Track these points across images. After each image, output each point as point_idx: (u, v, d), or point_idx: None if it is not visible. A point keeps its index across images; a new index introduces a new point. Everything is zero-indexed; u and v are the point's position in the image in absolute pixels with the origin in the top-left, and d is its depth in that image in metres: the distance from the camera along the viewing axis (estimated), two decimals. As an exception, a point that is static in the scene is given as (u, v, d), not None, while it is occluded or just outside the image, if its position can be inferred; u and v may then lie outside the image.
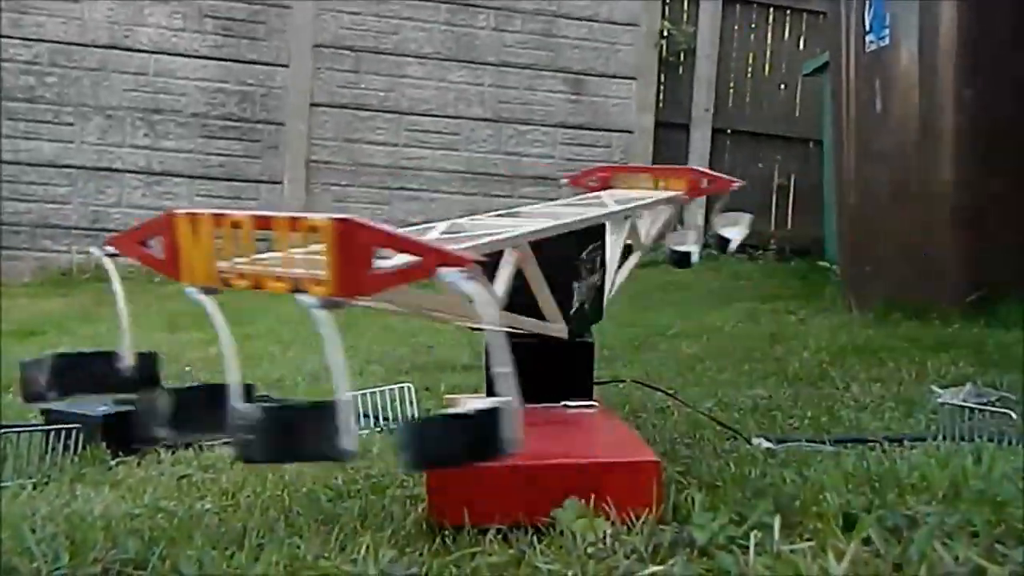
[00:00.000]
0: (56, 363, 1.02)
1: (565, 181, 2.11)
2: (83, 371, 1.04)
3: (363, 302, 1.02)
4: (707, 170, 1.98)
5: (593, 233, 1.48)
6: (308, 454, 0.91)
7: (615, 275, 1.63)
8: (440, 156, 5.78)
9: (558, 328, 1.41)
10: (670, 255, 1.88)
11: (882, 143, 3.44)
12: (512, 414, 0.82)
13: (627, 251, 1.72)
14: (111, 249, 1.07)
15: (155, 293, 4.66)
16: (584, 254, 1.46)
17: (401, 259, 0.88)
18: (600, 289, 1.53)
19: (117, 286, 1.06)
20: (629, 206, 1.63)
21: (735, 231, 1.86)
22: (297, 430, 0.87)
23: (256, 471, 1.39)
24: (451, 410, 0.93)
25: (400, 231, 0.90)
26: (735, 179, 1.87)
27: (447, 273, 0.85)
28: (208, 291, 0.98)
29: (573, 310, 1.44)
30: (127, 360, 1.04)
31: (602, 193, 1.83)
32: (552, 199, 6.38)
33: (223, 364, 0.95)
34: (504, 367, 0.83)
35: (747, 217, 1.89)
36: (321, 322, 0.87)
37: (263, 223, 0.93)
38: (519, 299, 1.31)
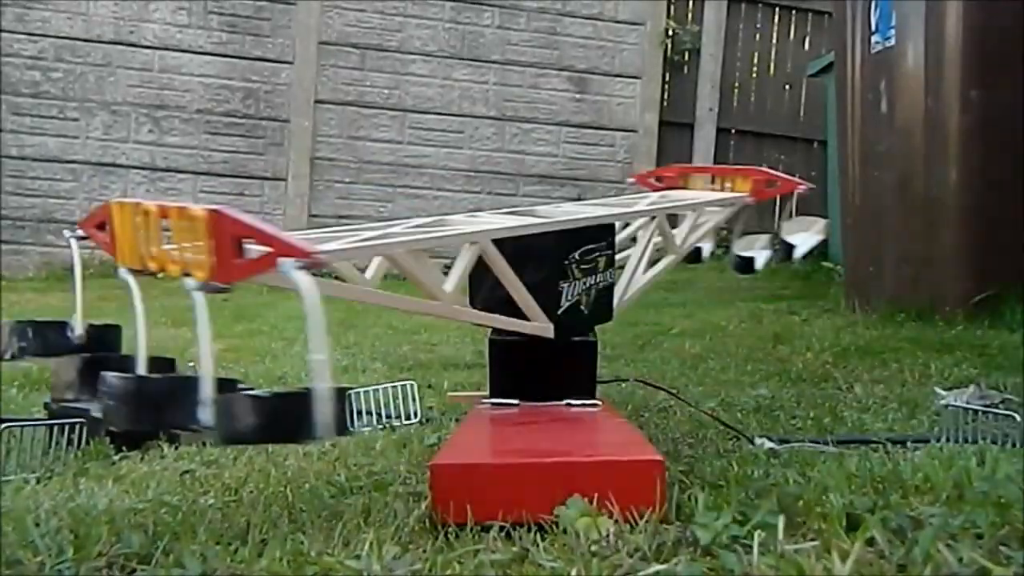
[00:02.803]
0: (16, 328, 1.19)
1: (631, 180, 2.08)
2: (39, 337, 1.21)
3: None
4: (773, 171, 1.92)
5: (594, 231, 1.47)
6: (170, 424, 1.13)
7: (632, 276, 1.61)
8: (444, 154, 5.78)
9: (539, 327, 1.39)
10: (733, 260, 1.87)
11: (887, 144, 3.44)
12: (323, 400, 0.89)
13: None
14: (80, 232, 1.18)
15: (160, 288, 4.67)
16: (577, 254, 1.45)
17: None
18: (607, 289, 1.52)
19: (77, 268, 1.20)
20: (626, 211, 1.62)
21: (802, 237, 1.83)
22: (160, 401, 0.99)
23: (259, 467, 1.40)
24: (258, 392, 1.03)
25: (260, 224, 0.95)
26: (801, 181, 1.83)
27: (281, 263, 0.92)
28: (136, 272, 1.07)
29: (561, 310, 1.42)
30: (78, 330, 1.20)
31: (653, 194, 1.83)
32: (555, 198, 6.39)
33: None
34: (320, 355, 0.90)
35: (821, 223, 1.86)
36: (197, 303, 0.95)
37: (164, 212, 1.03)
38: (499, 295, 1.35)
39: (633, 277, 1.62)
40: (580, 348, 1.45)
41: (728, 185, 1.88)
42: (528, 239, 1.35)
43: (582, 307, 1.47)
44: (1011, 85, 3.10)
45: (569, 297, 1.44)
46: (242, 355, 2.68)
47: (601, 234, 1.50)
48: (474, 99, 5.82)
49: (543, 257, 1.41)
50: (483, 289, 1.42)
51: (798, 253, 1.85)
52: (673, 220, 1.71)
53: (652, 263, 1.68)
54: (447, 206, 5.58)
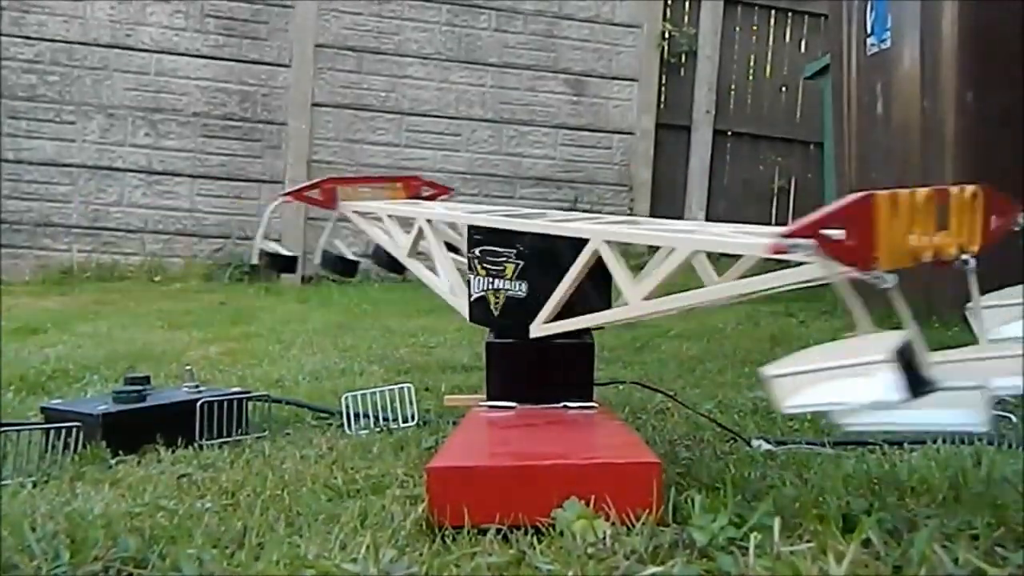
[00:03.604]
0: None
1: (278, 201, 2.15)
2: None
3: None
4: (426, 179, 2.05)
5: (493, 237, 1.48)
6: None
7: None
8: (441, 157, 5.79)
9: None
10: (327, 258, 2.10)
11: (883, 146, 3.44)
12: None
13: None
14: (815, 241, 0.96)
15: (156, 291, 4.68)
16: (478, 251, 1.49)
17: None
18: (521, 303, 1.44)
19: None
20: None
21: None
22: None
23: (256, 471, 1.40)
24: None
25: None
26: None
27: None
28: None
29: (472, 298, 1.51)
30: None
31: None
32: (552, 200, 6.37)
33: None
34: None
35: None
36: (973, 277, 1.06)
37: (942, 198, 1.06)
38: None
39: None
40: (577, 350, 1.45)
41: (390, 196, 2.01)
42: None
43: (491, 306, 1.48)
44: (1007, 86, 3.11)
45: (476, 290, 1.50)
46: (239, 358, 2.68)
47: (503, 240, 1.46)
48: (471, 102, 5.82)
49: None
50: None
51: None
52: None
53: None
54: (444, 209, 5.58)
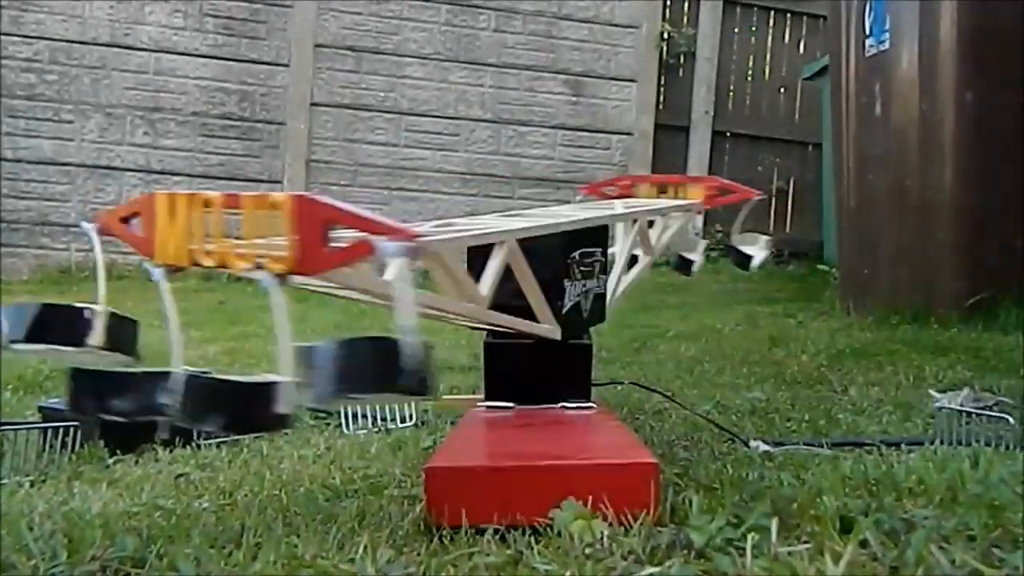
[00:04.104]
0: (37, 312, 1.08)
1: (579, 197, 2.05)
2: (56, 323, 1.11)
3: (316, 283, 1.07)
4: (725, 180, 2.03)
5: (592, 235, 1.48)
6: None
7: (620, 279, 1.64)
8: (440, 157, 5.79)
9: (548, 329, 1.37)
10: (676, 260, 1.99)
11: (882, 147, 3.44)
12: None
13: (634, 258, 1.76)
14: (96, 226, 1.09)
15: (153, 290, 4.68)
16: (577, 254, 1.45)
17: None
18: (602, 293, 1.53)
19: (100, 260, 1.11)
20: (634, 210, 1.64)
21: (757, 250, 1.99)
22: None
23: (254, 470, 1.40)
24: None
25: (353, 208, 0.91)
26: (753, 190, 1.93)
27: (387, 245, 0.87)
28: (172, 270, 1.01)
29: (565, 310, 1.41)
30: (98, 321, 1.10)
31: (615, 201, 1.85)
32: (551, 201, 6.39)
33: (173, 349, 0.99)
34: (408, 323, 0.91)
35: (764, 239, 2.03)
36: (276, 296, 0.90)
37: (232, 202, 0.97)
38: (511, 298, 1.32)
39: (619, 279, 1.65)
40: (576, 351, 1.45)
41: (680, 194, 1.98)
42: (536, 237, 1.34)
43: (582, 309, 1.47)
44: (1005, 87, 3.12)
45: (571, 297, 1.44)
46: (237, 358, 2.68)
47: (599, 238, 1.51)
48: (470, 102, 5.82)
49: (550, 255, 1.39)
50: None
51: (755, 264, 1.98)
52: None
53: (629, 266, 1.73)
54: (443, 209, 5.58)
